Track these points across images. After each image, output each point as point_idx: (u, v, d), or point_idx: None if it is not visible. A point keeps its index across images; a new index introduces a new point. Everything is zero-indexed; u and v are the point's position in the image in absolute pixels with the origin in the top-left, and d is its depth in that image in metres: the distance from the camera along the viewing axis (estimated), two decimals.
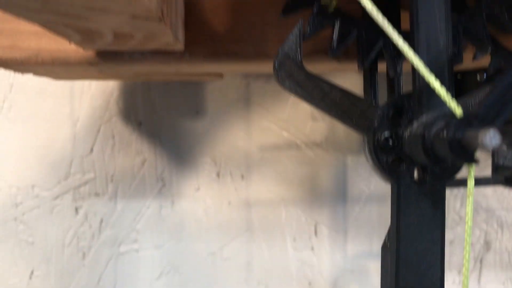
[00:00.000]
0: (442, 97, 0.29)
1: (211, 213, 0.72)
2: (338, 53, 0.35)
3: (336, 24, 0.34)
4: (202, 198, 0.72)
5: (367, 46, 0.35)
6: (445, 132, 0.27)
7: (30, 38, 0.44)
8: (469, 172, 0.29)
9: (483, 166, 0.48)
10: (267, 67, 0.46)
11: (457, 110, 0.29)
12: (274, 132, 0.72)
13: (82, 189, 0.72)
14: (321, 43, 0.42)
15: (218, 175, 0.72)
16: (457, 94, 0.59)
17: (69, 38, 0.38)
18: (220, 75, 0.58)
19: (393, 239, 0.35)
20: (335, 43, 0.35)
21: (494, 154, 0.55)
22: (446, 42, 0.31)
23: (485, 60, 0.41)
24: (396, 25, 0.42)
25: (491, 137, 0.24)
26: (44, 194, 0.72)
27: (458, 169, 0.33)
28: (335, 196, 0.73)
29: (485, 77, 0.52)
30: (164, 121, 0.72)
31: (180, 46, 0.42)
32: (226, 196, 0.72)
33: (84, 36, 0.37)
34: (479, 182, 0.54)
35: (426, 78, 0.29)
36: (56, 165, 0.72)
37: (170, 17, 0.35)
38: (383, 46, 0.35)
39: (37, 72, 0.51)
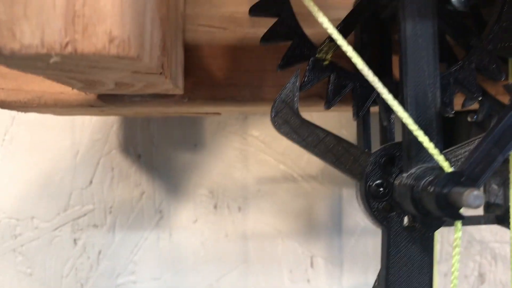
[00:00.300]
0: (430, 152, 0.30)
1: (209, 245, 0.73)
2: (334, 104, 0.36)
3: (331, 77, 0.36)
4: (199, 230, 0.73)
5: (362, 97, 0.36)
6: (432, 187, 0.29)
7: (34, 81, 0.46)
8: (456, 226, 0.30)
9: None
10: (263, 109, 0.47)
11: (445, 164, 0.30)
12: (271, 165, 0.73)
13: (81, 221, 0.73)
14: (315, 87, 0.43)
15: (215, 207, 0.73)
16: (448, 132, 0.61)
17: (72, 86, 0.39)
18: (218, 113, 0.60)
19: (383, 283, 0.36)
20: (330, 96, 0.36)
21: (486, 192, 0.56)
22: (435, 96, 0.33)
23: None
24: (388, 71, 0.44)
25: (474, 198, 0.26)
26: (43, 225, 0.73)
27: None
28: (331, 229, 0.74)
29: (475, 118, 0.53)
30: (163, 154, 0.73)
31: (179, 91, 0.43)
32: (223, 228, 0.73)
33: (87, 85, 0.38)
34: (470, 221, 0.55)
35: (415, 134, 0.31)
36: (55, 196, 0.73)
37: (170, 69, 0.37)
38: (377, 97, 0.37)
39: (39, 111, 0.52)
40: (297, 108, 0.35)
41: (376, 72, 0.43)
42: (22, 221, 0.73)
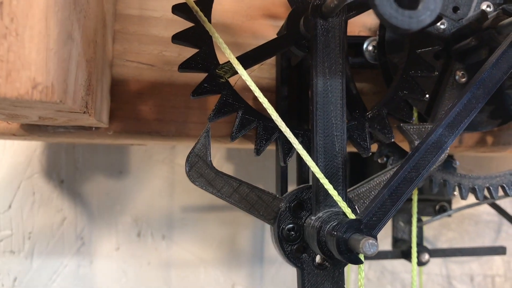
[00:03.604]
0: (335, 199, 0.33)
1: (130, 273, 0.73)
2: (236, 138, 0.38)
3: (238, 113, 0.37)
4: (121, 257, 0.73)
5: (264, 137, 0.38)
6: (335, 231, 0.31)
7: None
8: (359, 268, 0.33)
9: None
10: (187, 145, 0.49)
11: (347, 211, 0.33)
12: (197, 193, 0.74)
13: None
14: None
15: (138, 235, 0.73)
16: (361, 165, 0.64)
17: None
18: (143, 144, 0.61)
19: None
20: (235, 130, 0.38)
21: (393, 228, 0.60)
22: (342, 146, 0.35)
23: None
24: (303, 120, 0.47)
25: (369, 246, 0.28)
26: None
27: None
28: (253, 257, 0.76)
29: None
30: (87, 180, 0.72)
31: (103, 125, 0.44)
32: (146, 256, 0.73)
33: (9, 117, 0.38)
34: (378, 256, 0.59)
35: (322, 182, 0.33)
36: None
37: (94, 106, 0.37)
38: (278, 138, 0.38)
39: None
40: (210, 161, 0.36)
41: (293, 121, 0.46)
42: None
